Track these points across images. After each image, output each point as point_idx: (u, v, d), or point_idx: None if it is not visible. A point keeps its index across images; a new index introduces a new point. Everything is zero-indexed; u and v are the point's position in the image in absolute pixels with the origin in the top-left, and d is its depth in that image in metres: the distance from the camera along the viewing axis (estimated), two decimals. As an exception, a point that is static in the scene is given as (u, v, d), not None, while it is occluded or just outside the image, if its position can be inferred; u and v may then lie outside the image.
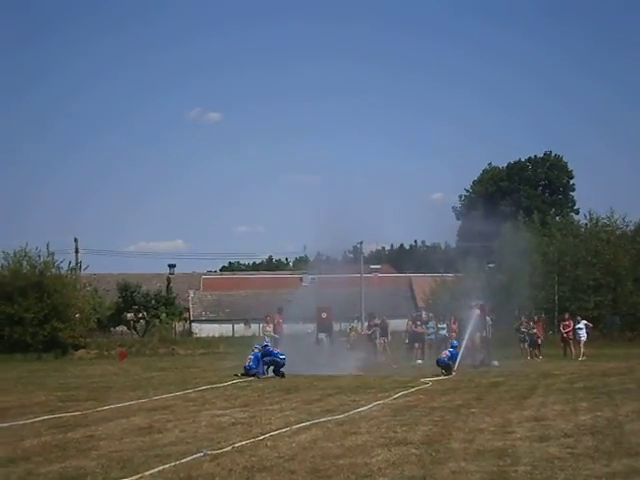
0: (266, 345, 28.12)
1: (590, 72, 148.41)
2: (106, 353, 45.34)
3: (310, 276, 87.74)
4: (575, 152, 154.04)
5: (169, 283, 77.51)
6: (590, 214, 60.14)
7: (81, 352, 46.05)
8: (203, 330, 68.33)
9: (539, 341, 37.31)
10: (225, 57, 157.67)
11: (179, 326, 71.98)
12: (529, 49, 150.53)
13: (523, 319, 38.85)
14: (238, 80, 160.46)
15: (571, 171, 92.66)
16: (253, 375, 26.34)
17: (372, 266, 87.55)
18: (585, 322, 37.43)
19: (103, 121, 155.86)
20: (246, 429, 14.13)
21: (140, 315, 70.39)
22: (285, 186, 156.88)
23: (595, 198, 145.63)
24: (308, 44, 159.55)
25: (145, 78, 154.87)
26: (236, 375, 26.71)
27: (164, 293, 73.51)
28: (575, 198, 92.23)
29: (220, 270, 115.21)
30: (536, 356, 36.23)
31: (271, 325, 34.85)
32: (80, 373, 31.30)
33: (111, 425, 14.92)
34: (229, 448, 12.02)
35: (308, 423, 14.54)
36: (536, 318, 39.41)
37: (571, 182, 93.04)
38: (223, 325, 70.11)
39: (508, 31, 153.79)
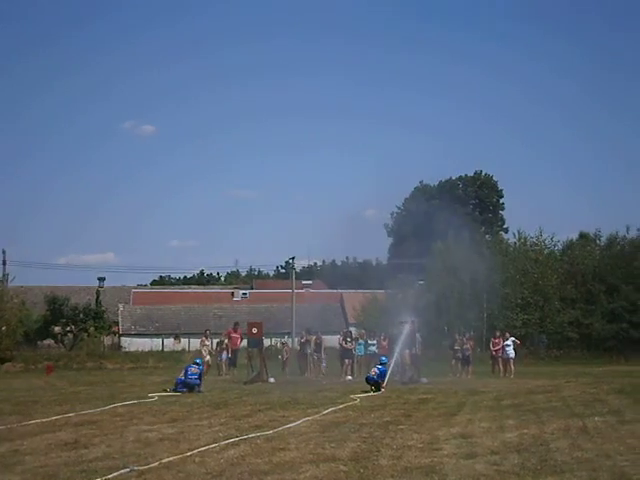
0: (197, 363, 28.07)
1: (520, 90, 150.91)
2: (33, 367, 44.70)
3: (241, 291, 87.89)
4: (505, 171, 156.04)
5: (98, 296, 76.65)
6: (519, 233, 61.10)
7: (7, 365, 45.36)
8: (132, 344, 67.61)
9: (470, 358, 37.62)
10: (160, 68, 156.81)
11: (108, 340, 71.22)
12: (460, 70, 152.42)
13: (457, 337, 39.14)
14: (172, 93, 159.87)
15: (501, 190, 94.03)
16: (193, 388, 26.20)
17: (304, 281, 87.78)
18: (513, 339, 37.88)
19: (35, 132, 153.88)
20: (174, 445, 14.01)
21: (68, 328, 69.52)
22: (220, 200, 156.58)
23: (524, 217, 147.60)
24: (243, 60, 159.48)
25: (80, 89, 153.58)
26: (165, 390, 26.51)
27: (93, 306, 72.73)
28: (504, 217, 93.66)
29: (151, 284, 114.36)
30: (466, 373, 36.51)
31: (209, 340, 35.93)
32: (5, 387, 30.78)
33: (36, 440, 14.69)
34: (156, 464, 11.91)
35: (237, 439, 14.47)
36: (468, 335, 39.73)
37: (501, 201, 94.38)
38: (153, 339, 69.53)
39: (437, 53, 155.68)
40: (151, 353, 57.02)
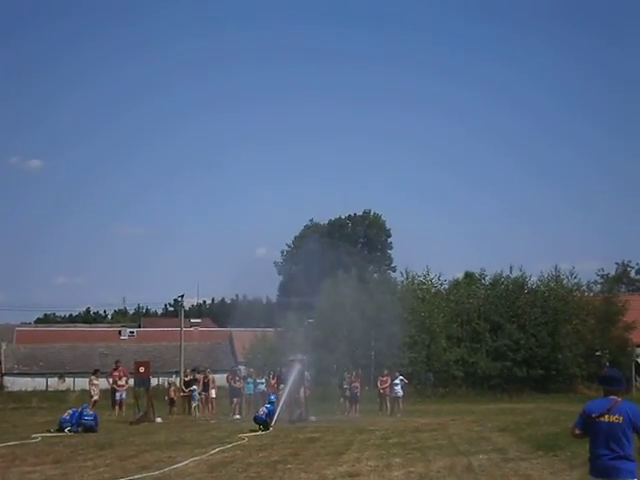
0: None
1: (403, 135, 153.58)
2: None
3: (129, 329, 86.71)
4: (392, 211, 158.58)
5: (-20, 335, 74.65)
6: (407, 272, 61.78)
7: None
8: (15, 384, 65.85)
9: (358, 396, 37.74)
10: (48, 104, 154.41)
11: (-10, 379, 69.27)
12: (356, 112, 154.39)
13: (346, 375, 39.29)
14: (61, 127, 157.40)
15: (389, 230, 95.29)
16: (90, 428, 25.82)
17: (193, 320, 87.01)
18: (401, 378, 38.23)
19: None
20: (57, 487, 13.71)
21: (-52, 368, 67.44)
22: (107, 236, 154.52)
23: (412, 257, 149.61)
24: (128, 94, 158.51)
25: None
26: (49, 430, 25.92)
27: (-25, 345, 70.77)
28: (392, 256, 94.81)
29: (35, 322, 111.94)
30: (354, 411, 36.64)
31: (97, 380, 35.46)
32: None
33: None
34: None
35: (122, 480, 14.26)
36: (355, 374, 39.85)
37: (389, 240, 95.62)
38: (36, 379, 67.92)
39: (330, 95, 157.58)
40: (35, 393, 55.70)
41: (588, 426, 8.61)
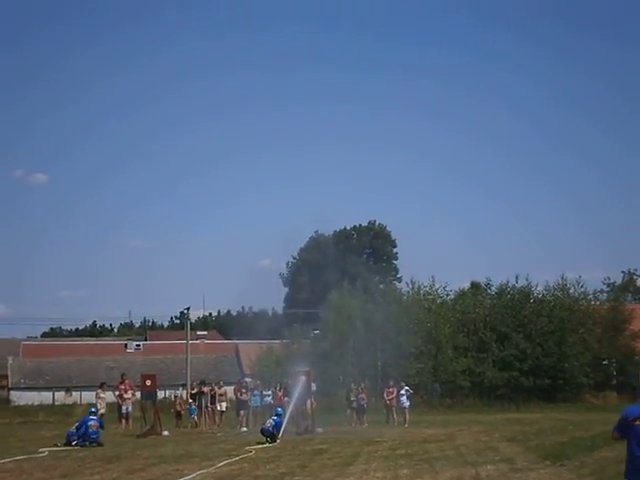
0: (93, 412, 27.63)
1: (409, 143, 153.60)
2: None
3: (135, 342, 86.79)
4: (398, 221, 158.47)
5: (-14, 349, 74.76)
6: (412, 282, 61.72)
7: None
8: (22, 398, 65.89)
9: (365, 407, 37.67)
10: (50, 114, 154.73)
11: (-4, 394, 69.38)
12: (362, 116, 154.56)
13: (353, 386, 39.23)
14: (63, 140, 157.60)
15: (394, 240, 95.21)
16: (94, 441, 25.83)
17: (199, 332, 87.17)
18: (407, 388, 38.20)
19: None
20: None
21: (-46, 383, 67.53)
22: (113, 250, 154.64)
23: (417, 267, 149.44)
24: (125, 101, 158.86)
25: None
26: (56, 444, 25.91)
27: (-19, 360, 70.87)
28: (398, 266, 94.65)
29: (41, 336, 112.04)
30: (361, 423, 36.59)
31: (104, 393, 35.60)
32: None
33: None
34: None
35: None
36: (362, 385, 39.81)
37: (394, 250, 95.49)
38: (43, 393, 67.93)
39: (334, 98, 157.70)
40: (41, 407, 55.77)
41: (625, 429, 9.25)
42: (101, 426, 26.88)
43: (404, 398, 37.42)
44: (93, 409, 28.24)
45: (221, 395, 37.51)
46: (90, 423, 26.57)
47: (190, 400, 36.90)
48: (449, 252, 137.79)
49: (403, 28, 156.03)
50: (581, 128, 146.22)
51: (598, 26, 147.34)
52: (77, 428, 26.59)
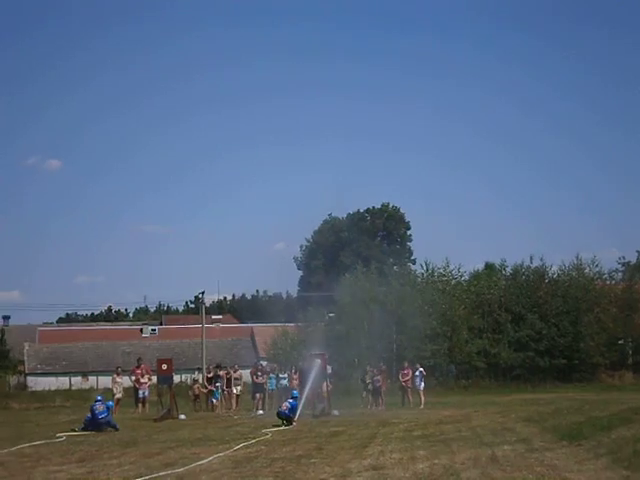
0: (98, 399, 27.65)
1: (425, 123, 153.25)
2: None
3: (150, 327, 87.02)
4: (411, 204, 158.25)
5: (3, 335, 75.19)
6: (426, 264, 61.63)
7: None
8: (39, 383, 66.28)
9: (382, 390, 37.62)
10: (63, 101, 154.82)
11: (13, 380, 69.66)
12: (373, 105, 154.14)
13: (368, 368, 39.17)
14: (79, 127, 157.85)
15: (408, 222, 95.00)
16: (106, 426, 25.79)
17: (214, 316, 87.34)
18: (421, 369, 38.18)
19: None
20: (83, 485, 13.76)
21: (-28, 369, 67.94)
22: (127, 235, 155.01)
23: (431, 249, 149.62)
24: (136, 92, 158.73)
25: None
26: (73, 429, 25.99)
27: (-2, 346, 71.26)
28: (412, 248, 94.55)
29: (57, 322, 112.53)
30: (377, 405, 36.59)
31: (120, 378, 35.77)
32: None
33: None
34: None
35: (147, 477, 14.27)
36: (381, 367, 39.71)
37: (408, 233, 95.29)
38: (60, 378, 68.32)
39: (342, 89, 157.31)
40: (58, 392, 55.97)
41: None
42: (107, 408, 26.80)
43: (417, 379, 37.44)
44: (99, 397, 28.19)
45: (237, 379, 37.56)
46: (96, 406, 26.56)
47: (212, 384, 36.89)
48: (463, 233, 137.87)
49: (405, 20, 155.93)
50: (592, 120, 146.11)
51: (606, 20, 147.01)
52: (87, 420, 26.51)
